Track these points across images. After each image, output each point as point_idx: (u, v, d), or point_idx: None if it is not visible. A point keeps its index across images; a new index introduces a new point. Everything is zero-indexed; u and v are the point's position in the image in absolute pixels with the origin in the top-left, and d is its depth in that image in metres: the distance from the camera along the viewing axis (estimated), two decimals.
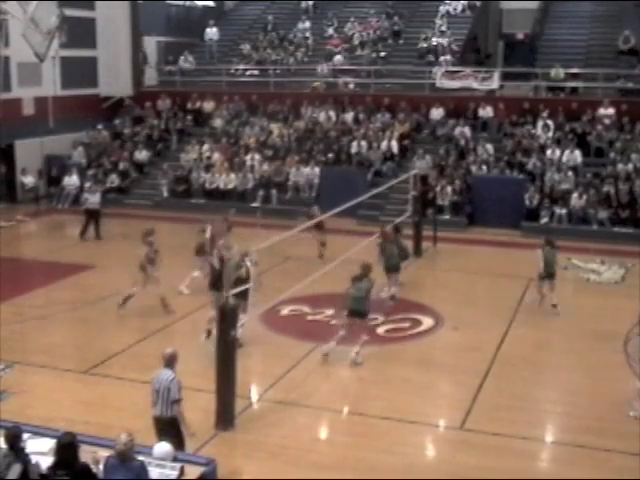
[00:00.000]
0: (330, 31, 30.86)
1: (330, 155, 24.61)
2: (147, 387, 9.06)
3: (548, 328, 14.29)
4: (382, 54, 28.83)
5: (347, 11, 31.93)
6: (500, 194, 21.81)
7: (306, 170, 24.08)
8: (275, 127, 26.20)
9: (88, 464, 7.12)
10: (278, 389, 11.46)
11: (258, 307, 12.58)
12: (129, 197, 25.36)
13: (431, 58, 27.94)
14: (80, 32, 26.35)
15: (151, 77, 30.34)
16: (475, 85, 26.25)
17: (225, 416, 10.11)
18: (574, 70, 25.91)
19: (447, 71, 26.62)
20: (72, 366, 12.27)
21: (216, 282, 12.71)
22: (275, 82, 28.27)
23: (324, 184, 23.53)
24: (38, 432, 7.94)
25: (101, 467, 7.16)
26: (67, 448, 6.96)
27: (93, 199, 20.82)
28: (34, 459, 7.18)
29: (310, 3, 32.70)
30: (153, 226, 19.13)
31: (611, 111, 23.90)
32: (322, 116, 26.24)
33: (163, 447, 7.54)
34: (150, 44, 30.57)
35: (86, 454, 7.22)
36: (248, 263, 12.68)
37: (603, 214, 21.10)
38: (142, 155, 26.55)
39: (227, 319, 10.07)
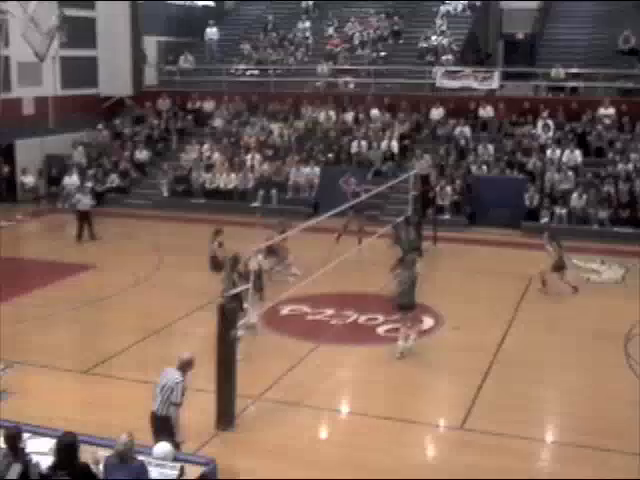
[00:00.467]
0: (330, 31, 30.86)
1: (330, 155, 24.62)
2: (147, 387, 9.07)
3: (548, 328, 14.29)
4: (382, 54, 28.84)
5: (347, 11, 31.92)
6: (500, 194, 21.82)
7: (306, 170, 24.09)
8: (275, 127, 26.20)
9: (88, 464, 7.11)
10: (278, 389, 11.46)
11: (258, 307, 12.57)
12: (129, 197, 25.36)
13: (431, 58, 27.94)
14: (80, 32, 26.33)
15: (151, 77, 30.31)
16: (475, 85, 26.25)
17: (225, 416, 10.11)
18: (574, 70, 25.91)
19: (447, 71, 26.61)
20: (72, 366, 12.27)
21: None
22: (275, 82, 28.28)
23: (324, 184, 23.53)
24: (38, 432, 7.93)
25: (101, 467, 7.16)
26: (67, 448, 6.95)
27: (85, 200, 20.79)
28: (34, 459, 7.17)
29: (310, 3, 32.70)
30: (153, 225, 19.29)
31: (611, 111, 23.91)
32: (322, 116, 26.24)
33: (163, 447, 7.53)
34: (150, 44, 30.55)
35: (86, 454, 7.21)
36: (259, 257, 13.48)
37: (603, 214, 21.10)
38: (142, 155, 26.55)
39: (227, 319, 10.06)
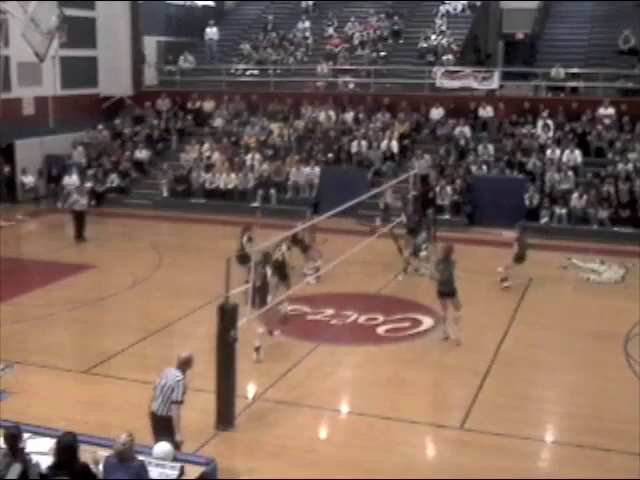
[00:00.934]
0: (330, 31, 30.88)
1: (330, 155, 24.62)
2: (147, 387, 9.06)
3: (548, 328, 14.28)
4: (382, 54, 28.84)
5: (347, 11, 31.94)
6: (500, 194, 21.82)
7: (306, 170, 24.09)
8: (275, 127, 26.21)
9: (88, 464, 7.11)
10: (278, 389, 11.46)
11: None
12: (129, 197, 25.37)
13: (431, 58, 27.94)
14: (80, 32, 26.35)
15: (151, 77, 30.33)
16: (475, 85, 26.26)
17: (225, 416, 10.11)
18: (574, 70, 25.93)
19: (447, 71, 26.61)
20: (72, 366, 12.27)
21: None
22: (275, 82, 28.28)
23: (324, 184, 23.54)
24: (38, 432, 7.93)
25: (101, 467, 7.16)
26: (67, 448, 6.95)
27: (83, 200, 20.80)
28: (34, 459, 7.18)
29: (310, 3, 32.71)
30: (153, 226, 19.23)
31: (611, 111, 23.91)
32: (322, 116, 26.25)
33: (163, 447, 7.54)
34: (150, 44, 30.56)
35: (86, 454, 7.21)
36: (283, 248, 13.78)
37: (603, 214, 21.11)
38: (142, 155, 26.55)
39: (227, 319, 10.07)
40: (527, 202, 21.80)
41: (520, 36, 30.37)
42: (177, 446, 8.25)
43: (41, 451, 7.48)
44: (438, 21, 29.76)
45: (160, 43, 31.64)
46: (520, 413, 10.83)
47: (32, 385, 11.53)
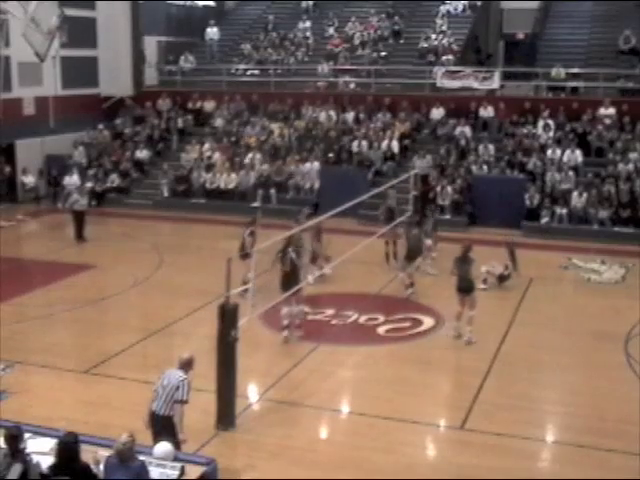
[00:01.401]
0: (331, 31, 30.87)
1: (330, 155, 24.61)
2: (148, 387, 9.06)
3: (549, 328, 14.28)
4: (383, 54, 28.83)
5: (348, 11, 31.93)
6: (501, 194, 21.82)
7: (306, 165, 24.07)
8: (276, 127, 26.20)
9: (88, 464, 7.11)
10: (278, 389, 11.47)
11: (258, 307, 12.56)
12: (129, 197, 25.36)
13: (432, 58, 27.93)
14: (81, 32, 26.37)
15: (152, 77, 30.32)
16: (476, 85, 26.24)
17: (226, 416, 10.11)
18: (575, 70, 25.92)
19: (448, 71, 26.60)
20: (72, 366, 12.26)
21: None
22: (275, 82, 28.28)
23: (324, 184, 23.54)
24: (39, 432, 7.94)
25: (101, 467, 7.16)
26: (69, 449, 6.95)
27: (82, 200, 20.80)
28: (34, 459, 7.17)
29: (310, 3, 32.71)
30: (153, 225, 19.21)
31: (612, 111, 23.90)
32: (323, 116, 26.24)
33: (164, 447, 7.54)
34: (151, 44, 30.56)
35: (87, 454, 7.22)
36: (293, 255, 13.31)
37: (604, 214, 21.09)
38: (143, 155, 26.55)
39: (227, 319, 10.07)
40: (527, 202, 21.78)
41: (520, 36, 30.39)
42: (178, 445, 8.26)
43: (42, 451, 7.48)
44: (439, 21, 29.75)
45: (161, 43, 31.65)
46: (521, 413, 10.82)
47: (32, 385, 11.53)
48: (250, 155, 25.12)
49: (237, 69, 29.78)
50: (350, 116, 26.18)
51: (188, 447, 8.58)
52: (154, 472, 7.23)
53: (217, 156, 25.43)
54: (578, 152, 22.87)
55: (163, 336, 13.52)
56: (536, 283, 16.73)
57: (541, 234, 20.98)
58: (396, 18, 30.42)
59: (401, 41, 29.86)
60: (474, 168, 23.31)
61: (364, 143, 24.65)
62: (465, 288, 13.43)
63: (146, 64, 29.62)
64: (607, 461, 9.53)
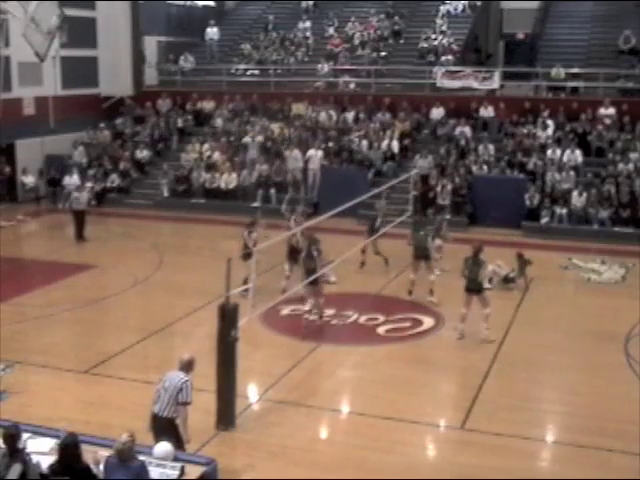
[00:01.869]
0: (331, 31, 30.86)
1: (330, 155, 24.60)
2: (148, 387, 9.06)
3: (548, 328, 14.28)
4: (383, 54, 28.83)
5: (348, 11, 31.92)
6: (501, 194, 21.82)
7: (310, 152, 24.02)
8: (276, 127, 26.19)
9: (88, 464, 7.11)
10: (278, 389, 11.47)
11: (258, 307, 12.58)
12: (129, 197, 25.36)
13: (432, 58, 27.93)
14: (81, 32, 26.37)
15: (151, 77, 30.33)
16: (476, 85, 26.25)
17: (226, 416, 10.11)
18: (575, 70, 25.92)
19: (447, 71, 26.61)
20: (72, 366, 12.26)
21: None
22: (276, 82, 28.28)
23: (324, 184, 23.54)
24: (38, 432, 7.94)
25: (101, 467, 7.16)
26: (69, 449, 6.95)
27: (83, 200, 20.81)
28: (34, 459, 7.17)
29: (310, 3, 32.71)
30: (153, 225, 19.21)
31: (612, 111, 23.90)
32: (323, 116, 26.24)
33: (164, 447, 7.54)
34: (151, 44, 30.57)
35: (87, 454, 7.21)
36: (315, 253, 13.65)
37: (604, 214, 21.09)
38: (143, 155, 26.54)
39: (228, 319, 10.07)
40: (528, 202, 21.78)
41: (520, 36, 30.37)
42: (182, 445, 8.27)
43: (41, 451, 7.48)
44: (438, 21, 29.74)
45: (160, 43, 31.65)
46: (521, 413, 10.82)
47: (32, 385, 11.53)
48: (250, 155, 25.03)
49: (237, 69, 29.78)
50: (350, 116, 26.17)
51: (188, 447, 8.57)
52: (154, 472, 7.23)
53: (217, 156, 25.42)
54: (578, 152, 22.87)
55: (163, 336, 13.52)
56: (536, 283, 16.73)
57: (541, 234, 20.98)
58: (396, 18, 30.42)
59: (401, 41, 29.85)
60: (474, 168, 23.31)
61: (364, 143, 24.64)
62: (472, 288, 13.45)
63: (146, 64, 29.64)
64: (607, 461, 9.53)
